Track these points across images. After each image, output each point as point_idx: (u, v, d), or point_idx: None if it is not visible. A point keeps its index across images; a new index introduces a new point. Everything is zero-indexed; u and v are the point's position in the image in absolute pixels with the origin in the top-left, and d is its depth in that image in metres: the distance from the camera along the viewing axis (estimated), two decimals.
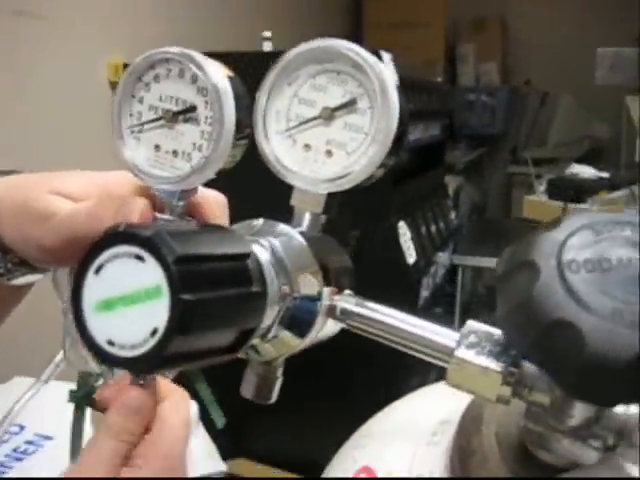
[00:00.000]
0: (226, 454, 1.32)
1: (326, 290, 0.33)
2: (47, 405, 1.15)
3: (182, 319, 0.22)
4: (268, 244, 0.31)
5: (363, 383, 1.61)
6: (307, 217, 0.35)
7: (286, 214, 0.36)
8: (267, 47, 1.97)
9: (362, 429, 0.47)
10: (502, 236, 3.25)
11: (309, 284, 0.32)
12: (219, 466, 1.26)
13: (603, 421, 0.29)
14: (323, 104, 0.34)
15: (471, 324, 0.31)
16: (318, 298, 0.32)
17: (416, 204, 2.06)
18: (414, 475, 0.38)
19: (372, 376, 1.47)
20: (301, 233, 0.34)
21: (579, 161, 3.28)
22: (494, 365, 0.29)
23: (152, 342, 0.22)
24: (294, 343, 0.33)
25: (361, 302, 0.35)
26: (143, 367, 0.23)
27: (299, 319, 0.32)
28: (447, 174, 2.86)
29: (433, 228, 2.20)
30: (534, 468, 0.32)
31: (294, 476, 1.76)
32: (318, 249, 0.33)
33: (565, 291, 0.25)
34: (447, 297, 2.52)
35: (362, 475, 0.41)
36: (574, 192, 2.33)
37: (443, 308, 2.34)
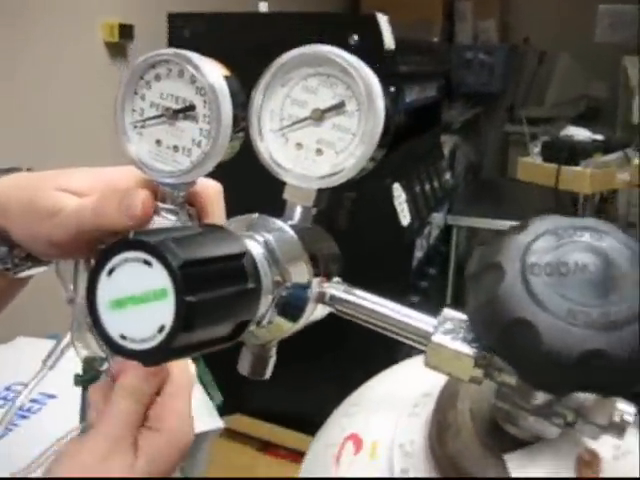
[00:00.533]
0: (224, 410, 1.35)
1: (316, 279, 0.36)
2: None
3: (186, 318, 0.25)
4: (262, 239, 0.33)
5: (360, 341, 1.65)
6: (298, 210, 0.38)
7: (279, 205, 0.38)
8: (263, 8, 1.95)
9: (351, 398, 0.51)
10: (497, 196, 3.27)
11: (300, 273, 0.35)
12: (217, 422, 1.29)
13: (563, 401, 0.32)
14: (314, 105, 0.37)
15: (447, 312, 0.34)
16: (308, 286, 0.35)
17: (411, 165, 2.07)
18: (396, 444, 0.41)
19: (368, 335, 1.51)
20: (293, 226, 0.36)
21: (576, 120, 3.27)
22: (467, 350, 0.33)
23: (160, 337, 0.25)
24: (287, 327, 0.36)
25: (348, 289, 0.38)
26: (152, 359, 0.26)
27: (291, 305, 0.35)
28: (443, 133, 2.86)
29: (428, 189, 2.21)
30: (503, 441, 0.36)
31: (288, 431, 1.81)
32: (308, 240, 0.36)
33: (526, 292, 0.28)
34: (441, 257, 2.55)
35: (350, 442, 0.45)
36: (568, 154, 2.33)
37: (437, 268, 2.36)
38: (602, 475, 0.35)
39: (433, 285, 2.23)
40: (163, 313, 0.25)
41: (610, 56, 3.40)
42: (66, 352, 0.44)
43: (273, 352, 0.39)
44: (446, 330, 0.33)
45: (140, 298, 0.25)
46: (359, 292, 0.38)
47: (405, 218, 1.89)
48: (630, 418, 0.32)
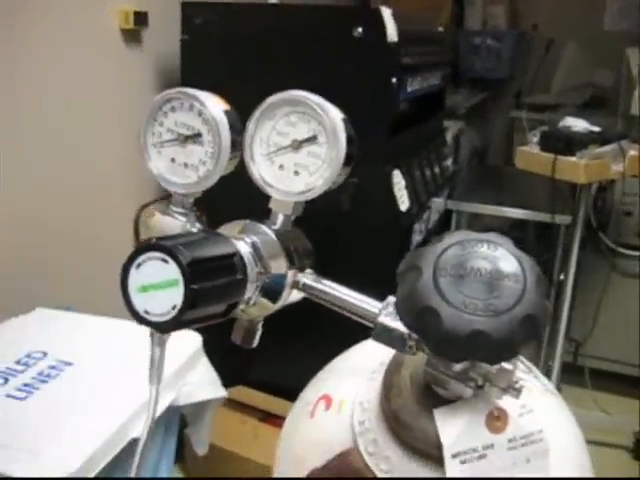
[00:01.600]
0: (227, 382, 1.45)
1: (291, 271, 0.47)
2: (67, 334, 1.28)
3: (191, 300, 0.36)
4: (250, 240, 0.44)
5: (349, 325, 1.75)
6: (280, 217, 0.49)
7: (265, 212, 0.49)
8: None
9: (327, 366, 0.62)
10: (498, 183, 3.33)
11: (278, 267, 0.45)
12: (220, 392, 1.39)
13: (475, 369, 0.43)
14: (293, 137, 0.47)
15: (390, 298, 0.45)
16: (285, 276, 0.46)
17: (413, 152, 2.14)
18: (357, 402, 0.52)
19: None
20: (275, 230, 0.47)
21: (582, 108, 3.32)
22: (402, 328, 0.43)
23: (173, 313, 0.36)
24: (269, 306, 0.47)
25: (317, 279, 0.49)
26: (167, 328, 0.37)
27: (272, 290, 0.46)
28: (448, 119, 2.90)
29: (428, 175, 2.27)
30: (433, 399, 0.46)
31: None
32: (286, 241, 0.47)
33: (435, 288, 0.38)
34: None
35: (322, 401, 0.56)
36: (565, 145, 2.40)
37: None
38: (508, 427, 0.45)
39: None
40: (175, 296, 0.36)
41: (618, 45, 3.43)
42: None
43: (259, 326, 0.50)
44: (388, 312, 0.44)
45: (159, 285, 0.36)
46: (326, 281, 0.48)
47: (404, 204, 1.96)
48: (524, 384, 0.43)
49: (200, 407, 1.37)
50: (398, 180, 1.96)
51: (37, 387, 1.18)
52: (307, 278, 0.48)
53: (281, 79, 1.90)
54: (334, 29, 1.80)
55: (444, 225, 2.74)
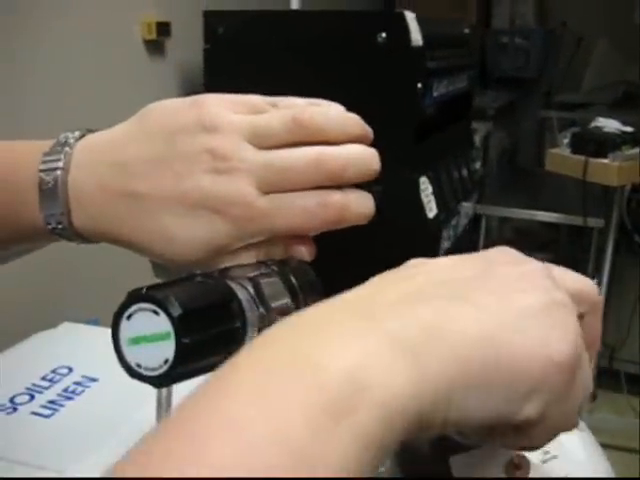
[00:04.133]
0: None
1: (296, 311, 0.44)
2: (93, 349, 1.28)
3: (184, 355, 0.34)
4: (250, 282, 0.42)
5: None
6: None
7: None
8: (295, 5, 2.03)
9: None
10: (529, 186, 3.28)
11: (282, 308, 0.43)
12: None
13: None
14: None
15: None
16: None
17: (440, 156, 2.11)
18: None
19: None
20: (278, 268, 0.45)
21: (613, 106, 3.26)
22: None
23: (165, 367, 0.34)
24: None
25: None
26: (160, 383, 0.35)
27: None
28: (477, 120, 2.86)
29: (456, 179, 2.24)
30: (450, 446, 0.44)
31: None
32: (290, 279, 0.44)
33: None
34: (470, 246, 2.59)
35: None
36: (597, 146, 2.34)
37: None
38: (530, 476, 0.43)
39: None
40: (167, 350, 0.34)
41: None
42: None
43: None
44: None
45: (150, 338, 0.34)
46: None
47: (431, 211, 1.93)
48: None
49: None
50: (425, 187, 1.93)
51: (62, 404, 1.18)
52: None
53: (305, 86, 1.89)
54: (357, 35, 1.78)
55: (474, 231, 2.70)
